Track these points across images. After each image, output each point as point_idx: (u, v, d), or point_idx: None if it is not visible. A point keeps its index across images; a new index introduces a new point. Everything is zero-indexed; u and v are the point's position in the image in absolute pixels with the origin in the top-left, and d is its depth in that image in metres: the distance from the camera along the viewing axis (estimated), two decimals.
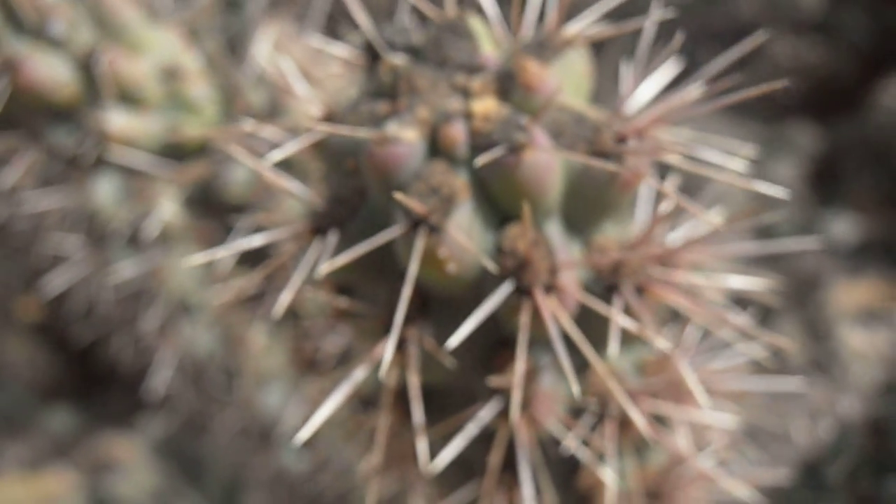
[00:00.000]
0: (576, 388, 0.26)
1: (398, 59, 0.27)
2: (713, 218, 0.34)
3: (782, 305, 2.01)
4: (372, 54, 0.28)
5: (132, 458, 2.33)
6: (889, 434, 0.49)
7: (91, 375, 2.84)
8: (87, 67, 0.44)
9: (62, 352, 2.95)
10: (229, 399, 0.69)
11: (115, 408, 2.96)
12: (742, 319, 0.34)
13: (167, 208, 0.48)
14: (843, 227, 2.52)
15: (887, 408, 0.50)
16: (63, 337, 2.92)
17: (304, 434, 0.27)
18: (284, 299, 0.26)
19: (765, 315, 2.13)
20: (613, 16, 0.33)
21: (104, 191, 0.59)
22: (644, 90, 0.31)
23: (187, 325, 0.68)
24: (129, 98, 0.45)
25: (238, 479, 1.90)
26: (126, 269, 0.65)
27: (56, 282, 0.66)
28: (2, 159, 0.45)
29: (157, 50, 0.46)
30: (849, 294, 1.69)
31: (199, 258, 0.35)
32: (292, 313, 0.42)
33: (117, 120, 0.45)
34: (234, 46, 0.59)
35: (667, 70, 0.33)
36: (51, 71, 0.43)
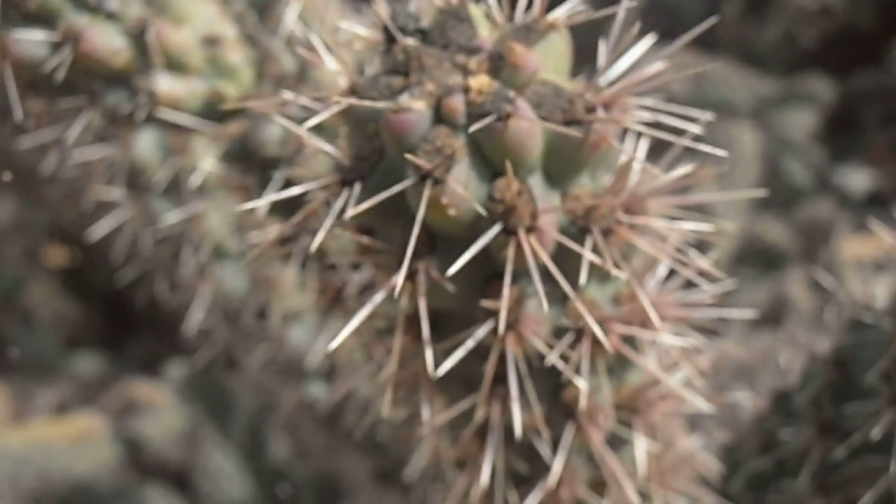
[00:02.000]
0: (545, 307, 0.33)
1: (409, 42, 0.34)
2: (679, 173, 0.40)
3: (793, 253, 2.06)
4: (388, 37, 0.35)
5: (159, 400, 2.45)
6: (849, 365, 0.56)
7: (118, 323, 2.96)
8: (138, 37, 0.51)
9: (90, 299, 3.06)
10: (261, 336, 0.77)
11: (141, 354, 3.08)
12: (702, 261, 0.41)
13: (207, 162, 0.55)
14: (858, 179, 2.55)
15: (849, 342, 0.57)
16: (92, 285, 3.02)
17: (333, 346, 0.35)
18: (318, 237, 0.33)
19: (777, 262, 2.17)
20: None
21: (147, 145, 0.67)
22: (620, 64, 0.37)
23: (223, 268, 0.75)
24: (175, 64, 0.52)
25: (263, 421, 2.01)
26: (167, 216, 0.72)
27: (99, 229, 0.74)
28: (65, 117, 0.52)
29: (197, 20, 0.52)
30: (858, 245, 1.74)
31: (242, 207, 0.42)
32: (321, 254, 0.49)
33: (164, 83, 0.52)
34: (264, 11, 0.66)
35: (641, 46, 0.39)
36: (107, 41, 0.50)
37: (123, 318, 3.15)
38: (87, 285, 3.14)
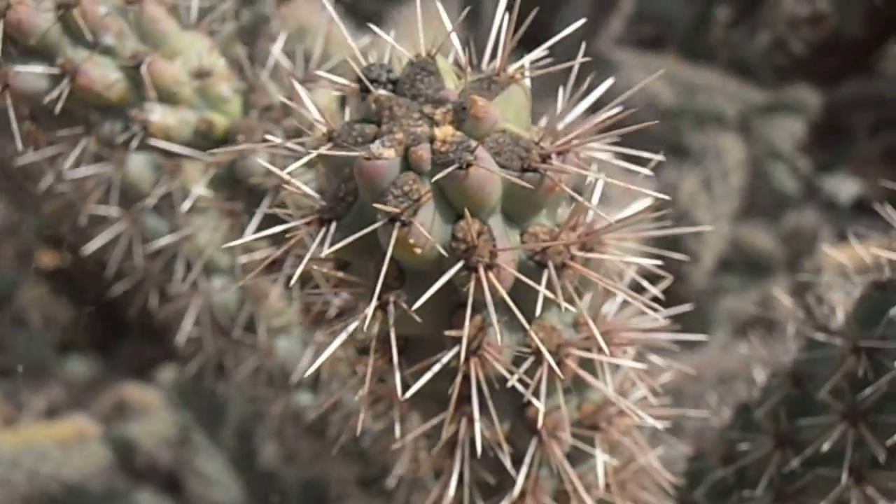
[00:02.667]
0: (499, 337, 0.37)
1: (382, 92, 0.38)
2: (634, 209, 0.44)
3: (779, 261, 2.09)
4: (362, 87, 0.38)
5: (151, 404, 2.47)
6: (805, 381, 0.60)
7: (108, 327, 2.98)
8: (132, 71, 0.54)
9: (81, 303, 3.07)
10: (249, 347, 0.80)
11: (132, 359, 3.11)
12: (652, 291, 0.45)
13: (198, 186, 0.59)
14: (845, 187, 2.59)
15: (805, 358, 0.60)
16: (83, 290, 3.04)
17: (312, 368, 0.38)
18: (298, 271, 0.37)
19: (763, 270, 2.20)
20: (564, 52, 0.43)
21: (139, 166, 0.70)
22: (575, 112, 0.41)
23: (212, 282, 0.79)
24: (167, 96, 0.55)
25: (252, 426, 2.04)
26: (159, 234, 0.76)
27: (94, 243, 0.77)
28: (61, 141, 0.56)
29: (189, 54, 0.56)
30: (842, 253, 1.79)
31: (230, 243, 0.45)
32: (304, 279, 0.52)
33: (157, 114, 0.55)
34: (253, 41, 0.69)
35: (595, 95, 0.42)
36: (103, 74, 0.53)
37: (114, 322, 3.18)
38: (81, 290, 3.16)
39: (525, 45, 0.41)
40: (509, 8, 0.39)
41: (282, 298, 0.79)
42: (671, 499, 0.58)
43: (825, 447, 0.57)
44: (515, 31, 0.38)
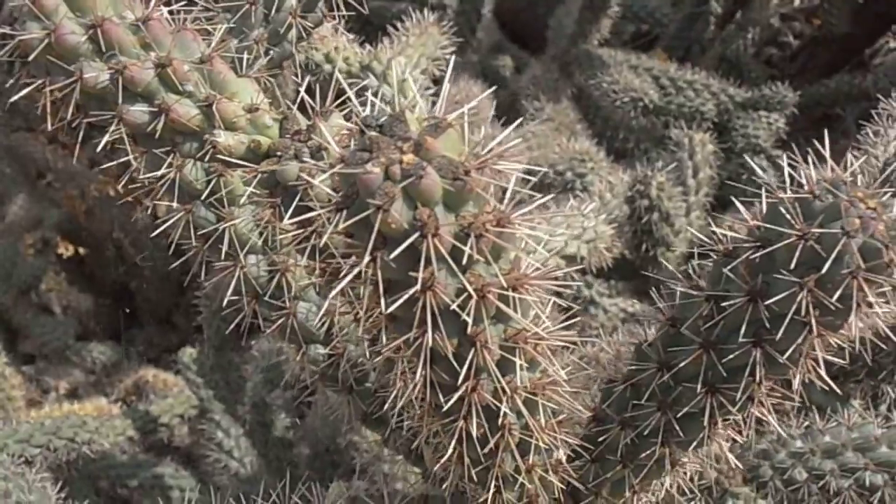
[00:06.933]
0: (442, 277, 0.67)
1: (372, 133, 0.67)
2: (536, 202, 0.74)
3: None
4: (361, 129, 0.68)
5: (166, 386, 2.82)
6: (678, 323, 0.89)
7: (125, 314, 3.30)
8: (206, 108, 0.84)
9: (100, 292, 3.41)
10: (275, 310, 1.10)
11: (146, 347, 3.45)
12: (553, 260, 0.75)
13: (248, 186, 0.89)
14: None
15: (679, 306, 0.90)
16: (101, 278, 3.38)
17: (333, 294, 0.68)
18: (324, 238, 0.67)
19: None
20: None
21: (193, 172, 1.00)
22: (497, 140, 0.71)
23: (248, 259, 1.09)
24: (228, 124, 0.85)
25: (266, 399, 2.35)
26: (209, 222, 1.06)
27: (159, 228, 1.07)
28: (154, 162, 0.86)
29: (243, 95, 0.86)
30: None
31: (276, 223, 0.75)
32: (324, 248, 0.83)
33: (222, 137, 0.85)
34: (279, 72, 1.00)
35: (508, 130, 0.72)
36: (186, 111, 0.84)
37: (128, 311, 3.50)
38: (97, 279, 3.48)
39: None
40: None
41: (301, 270, 1.09)
42: (584, 406, 0.88)
43: (688, 369, 0.87)
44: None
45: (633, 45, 3.28)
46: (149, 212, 1.09)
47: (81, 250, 3.39)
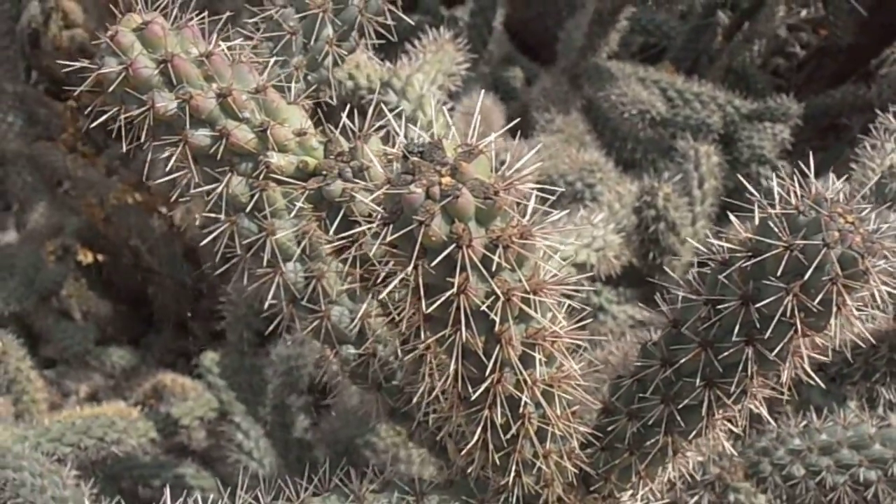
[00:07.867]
0: (474, 282, 0.79)
1: (414, 158, 0.80)
2: (555, 217, 0.86)
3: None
4: (404, 155, 0.81)
5: (183, 390, 2.96)
6: (680, 324, 1.01)
7: (144, 320, 3.46)
8: (260, 132, 0.97)
9: (118, 299, 3.56)
10: (311, 313, 1.23)
11: (163, 352, 3.60)
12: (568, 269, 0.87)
13: (296, 202, 1.01)
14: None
15: (681, 309, 1.02)
16: (119, 285, 3.54)
17: (384, 294, 0.80)
18: (374, 249, 0.79)
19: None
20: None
21: (238, 187, 1.13)
22: (523, 160, 0.83)
23: (287, 266, 1.21)
24: (280, 146, 0.98)
25: (285, 402, 2.48)
26: (251, 232, 1.18)
27: (208, 237, 1.20)
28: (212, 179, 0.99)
29: (293, 120, 0.99)
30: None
31: (322, 238, 0.88)
32: (365, 258, 0.95)
33: (275, 158, 0.98)
34: (316, 96, 1.12)
35: (538, 143, 0.85)
36: (244, 135, 0.96)
37: (148, 316, 3.63)
38: (115, 285, 3.61)
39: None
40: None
41: (335, 277, 1.22)
42: (595, 399, 1.00)
43: (688, 365, 0.99)
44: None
45: (642, 57, 3.41)
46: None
47: (100, 257, 3.52)
